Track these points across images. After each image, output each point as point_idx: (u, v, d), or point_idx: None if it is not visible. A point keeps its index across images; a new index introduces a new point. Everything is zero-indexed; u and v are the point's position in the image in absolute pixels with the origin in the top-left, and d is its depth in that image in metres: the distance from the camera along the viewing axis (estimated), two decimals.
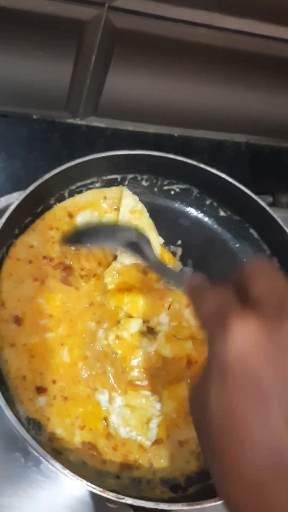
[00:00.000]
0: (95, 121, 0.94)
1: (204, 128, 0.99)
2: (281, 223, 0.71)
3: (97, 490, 0.50)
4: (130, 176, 0.76)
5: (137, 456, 0.59)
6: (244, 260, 0.77)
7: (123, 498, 0.50)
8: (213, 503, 0.52)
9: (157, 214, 0.75)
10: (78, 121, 0.93)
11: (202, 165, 0.72)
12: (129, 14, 0.73)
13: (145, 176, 0.77)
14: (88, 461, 0.58)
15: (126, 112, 0.93)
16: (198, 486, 0.59)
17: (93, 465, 0.58)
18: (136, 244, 0.60)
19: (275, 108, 0.98)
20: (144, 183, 0.78)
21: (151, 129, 0.97)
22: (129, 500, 0.50)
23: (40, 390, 0.58)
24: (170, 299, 0.65)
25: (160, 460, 0.59)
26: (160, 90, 0.89)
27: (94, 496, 0.62)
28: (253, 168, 1.01)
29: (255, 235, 0.78)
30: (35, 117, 0.91)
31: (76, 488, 0.62)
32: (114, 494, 0.50)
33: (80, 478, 0.51)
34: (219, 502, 0.51)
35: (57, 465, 0.51)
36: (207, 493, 0.54)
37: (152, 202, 0.76)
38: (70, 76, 0.83)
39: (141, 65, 0.84)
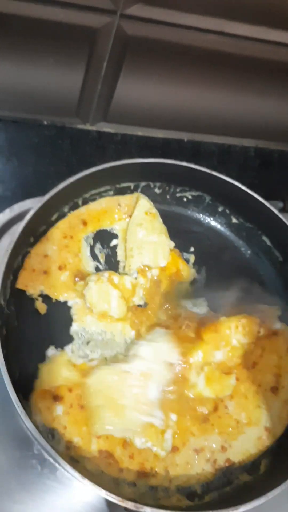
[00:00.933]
0: (105, 127, 0.94)
1: (213, 133, 1.00)
2: None
3: (116, 500, 0.51)
4: (143, 183, 0.77)
5: (153, 464, 0.59)
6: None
7: (141, 508, 0.50)
8: None
9: (169, 221, 0.75)
10: (88, 127, 0.94)
11: (214, 173, 0.72)
12: (140, 21, 0.73)
13: (157, 184, 0.78)
14: (105, 469, 0.58)
15: (135, 118, 0.94)
16: (214, 493, 0.59)
17: (110, 473, 0.58)
18: None
19: (283, 113, 0.98)
20: (156, 190, 0.78)
21: (160, 134, 0.98)
22: (147, 510, 0.50)
23: (57, 398, 0.59)
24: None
25: (176, 468, 0.60)
26: (169, 96, 0.89)
27: (109, 503, 0.62)
28: (262, 172, 1.01)
29: (268, 242, 0.78)
30: (45, 123, 0.91)
31: (92, 495, 0.62)
32: (132, 504, 0.50)
33: (99, 488, 0.51)
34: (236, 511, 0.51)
35: (76, 474, 0.51)
36: (224, 501, 0.54)
37: (164, 209, 0.77)
38: (81, 83, 0.83)
39: (151, 72, 0.84)
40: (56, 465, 0.57)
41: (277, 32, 0.78)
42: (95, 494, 0.62)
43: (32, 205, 0.74)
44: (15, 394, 0.52)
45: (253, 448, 0.62)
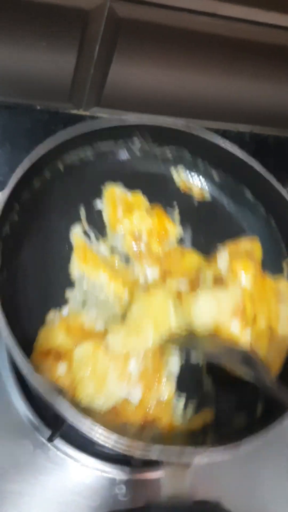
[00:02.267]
0: (99, 112, 0.94)
1: (208, 118, 0.99)
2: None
3: (127, 443, 0.50)
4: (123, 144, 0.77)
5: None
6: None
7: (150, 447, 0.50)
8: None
9: (151, 180, 0.76)
10: (81, 112, 0.93)
11: (195, 132, 0.72)
12: (132, 3, 0.72)
13: (138, 144, 0.77)
14: (111, 423, 0.58)
15: (129, 103, 0.93)
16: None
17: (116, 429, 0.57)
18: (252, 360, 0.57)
19: (279, 97, 0.97)
20: (137, 152, 0.78)
21: None
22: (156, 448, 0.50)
23: (58, 357, 0.58)
24: None
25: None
26: (163, 80, 0.89)
27: (102, 482, 0.63)
28: (258, 158, 1.01)
29: (252, 200, 0.79)
30: (38, 108, 0.91)
31: (85, 475, 0.63)
32: (142, 444, 0.50)
33: (110, 432, 0.49)
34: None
35: (88, 421, 0.49)
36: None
37: (146, 169, 0.77)
38: (73, 67, 0.83)
39: (144, 55, 0.83)
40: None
41: (271, 14, 0.77)
42: (88, 473, 0.63)
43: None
44: (21, 351, 0.51)
45: None
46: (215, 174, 0.80)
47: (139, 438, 0.53)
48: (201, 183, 0.79)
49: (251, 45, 0.83)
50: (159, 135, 0.75)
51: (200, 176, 0.80)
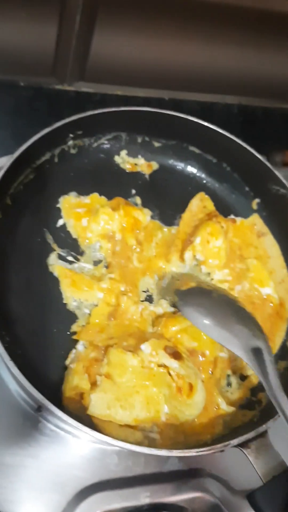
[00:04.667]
0: (83, 87, 0.92)
1: (195, 90, 0.98)
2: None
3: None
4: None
5: None
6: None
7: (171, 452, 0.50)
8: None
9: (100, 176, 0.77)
10: (66, 87, 0.92)
11: (125, 109, 0.74)
12: None
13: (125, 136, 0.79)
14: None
15: (114, 76, 0.92)
16: None
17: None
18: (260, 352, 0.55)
19: (266, 67, 0.96)
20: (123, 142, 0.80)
21: (140, 93, 0.96)
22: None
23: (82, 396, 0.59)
24: None
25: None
26: (148, 51, 0.87)
27: (93, 453, 0.63)
28: (246, 130, 1.00)
29: (196, 151, 0.80)
30: (22, 84, 0.89)
31: (75, 445, 0.62)
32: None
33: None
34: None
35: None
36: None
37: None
38: (55, 38, 0.81)
39: (127, 25, 0.82)
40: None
41: None
42: (79, 444, 0.63)
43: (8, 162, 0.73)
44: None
45: None
46: (154, 141, 0.80)
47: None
48: (145, 156, 0.80)
49: (237, 11, 0.81)
50: (91, 125, 0.75)
51: (142, 151, 0.80)
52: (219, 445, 0.51)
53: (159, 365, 0.57)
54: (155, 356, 0.57)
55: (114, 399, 0.55)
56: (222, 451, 0.52)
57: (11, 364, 0.51)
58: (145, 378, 0.56)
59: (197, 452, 0.50)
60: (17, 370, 0.51)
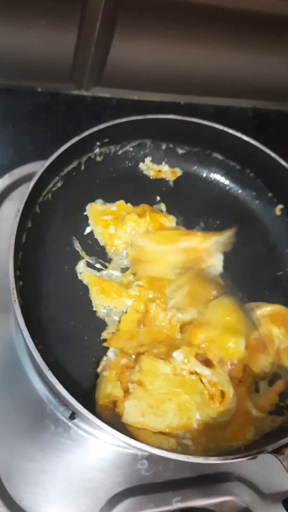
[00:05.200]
0: (100, 92, 0.93)
1: (210, 94, 0.98)
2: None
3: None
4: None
5: None
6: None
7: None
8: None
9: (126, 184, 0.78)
10: (83, 92, 0.92)
11: (150, 117, 0.74)
12: None
13: (163, 143, 0.80)
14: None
15: (131, 81, 0.92)
16: None
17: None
18: None
19: (280, 70, 0.96)
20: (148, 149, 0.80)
21: (156, 97, 0.96)
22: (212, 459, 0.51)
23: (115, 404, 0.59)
24: None
25: None
26: (164, 56, 0.88)
27: (124, 458, 0.63)
28: (260, 133, 1.00)
29: (220, 157, 0.81)
30: (39, 90, 0.90)
31: (106, 451, 0.63)
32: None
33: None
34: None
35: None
36: None
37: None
38: (74, 45, 0.82)
39: (145, 31, 0.82)
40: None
41: None
42: (110, 450, 0.64)
43: (32, 169, 0.74)
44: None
45: None
46: (178, 148, 0.81)
47: None
48: (169, 163, 0.81)
49: (253, 17, 0.82)
50: (117, 134, 0.75)
51: (166, 157, 0.81)
52: (254, 452, 0.52)
53: (191, 373, 0.58)
54: (187, 364, 0.58)
55: (147, 407, 0.56)
56: (255, 457, 0.53)
57: (49, 373, 0.51)
58: (177, 385, 0.57)
59: (234, 458, 0.51)
60: (54, 379, 0.51)
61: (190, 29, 0.83)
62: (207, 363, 0.58)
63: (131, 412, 0.56)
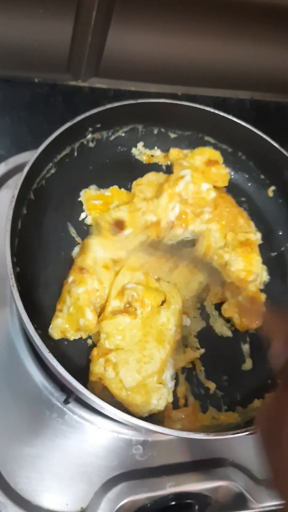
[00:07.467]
0: (97, 83, 0.93)
1: (208, 85, 0.98)
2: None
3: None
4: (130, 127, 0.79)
5: None
6: None
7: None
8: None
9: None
10: (80, 83, 0.92)
11: (142, 101, 0.75)
12: None
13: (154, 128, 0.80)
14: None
15: (128, 72, 0.92)
16: None
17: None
18: None
19: (278, 62, 0.96)
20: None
21: (153, 88, 0.96)
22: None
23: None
24: None
25: None
26: (161, 47, 0.88)
27: (119, 443, 0.64)
28: (259, 125, 1.00)
29: (212, 140, 0.82)
30: (36, 80, 0.90)
31: (101, 436, 0.64)
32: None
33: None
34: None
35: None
36: None
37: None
38: (71, 35, 0.82)
39: (142, 21, 0.82)
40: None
41: None
42: (105, 435, 0.64)
43: (28, 158, 0.74)
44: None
45: None
46: (170, 132, 0.82)
47: None
48: (161, 148, 0.82)
49: (251, 7, 0.82)
50: (109, 119, 0.75)
51: (158, 142, 0.82)
52: (253, 427, 0.52)
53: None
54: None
55: (136, 362, 0.58)
56: (254, 432, 0.53)
57: (49, 355, 0.51)
58: (142, 326, 0.61)
59: (234, 434, 0.52)
60: (55, 361, 0.52)
61: (187, 19, 0.83)
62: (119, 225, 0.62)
63: (127, 378, 0.58)
